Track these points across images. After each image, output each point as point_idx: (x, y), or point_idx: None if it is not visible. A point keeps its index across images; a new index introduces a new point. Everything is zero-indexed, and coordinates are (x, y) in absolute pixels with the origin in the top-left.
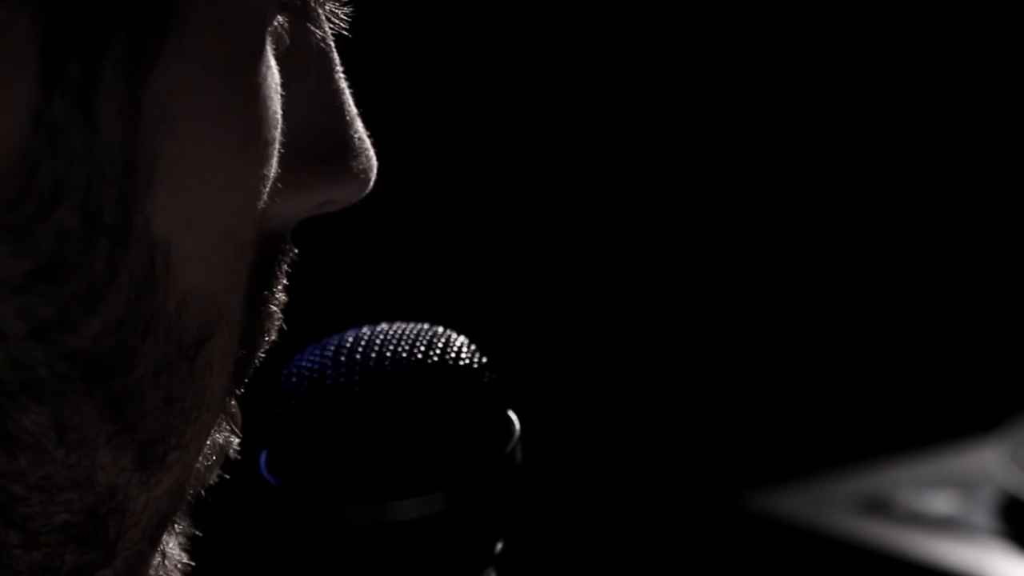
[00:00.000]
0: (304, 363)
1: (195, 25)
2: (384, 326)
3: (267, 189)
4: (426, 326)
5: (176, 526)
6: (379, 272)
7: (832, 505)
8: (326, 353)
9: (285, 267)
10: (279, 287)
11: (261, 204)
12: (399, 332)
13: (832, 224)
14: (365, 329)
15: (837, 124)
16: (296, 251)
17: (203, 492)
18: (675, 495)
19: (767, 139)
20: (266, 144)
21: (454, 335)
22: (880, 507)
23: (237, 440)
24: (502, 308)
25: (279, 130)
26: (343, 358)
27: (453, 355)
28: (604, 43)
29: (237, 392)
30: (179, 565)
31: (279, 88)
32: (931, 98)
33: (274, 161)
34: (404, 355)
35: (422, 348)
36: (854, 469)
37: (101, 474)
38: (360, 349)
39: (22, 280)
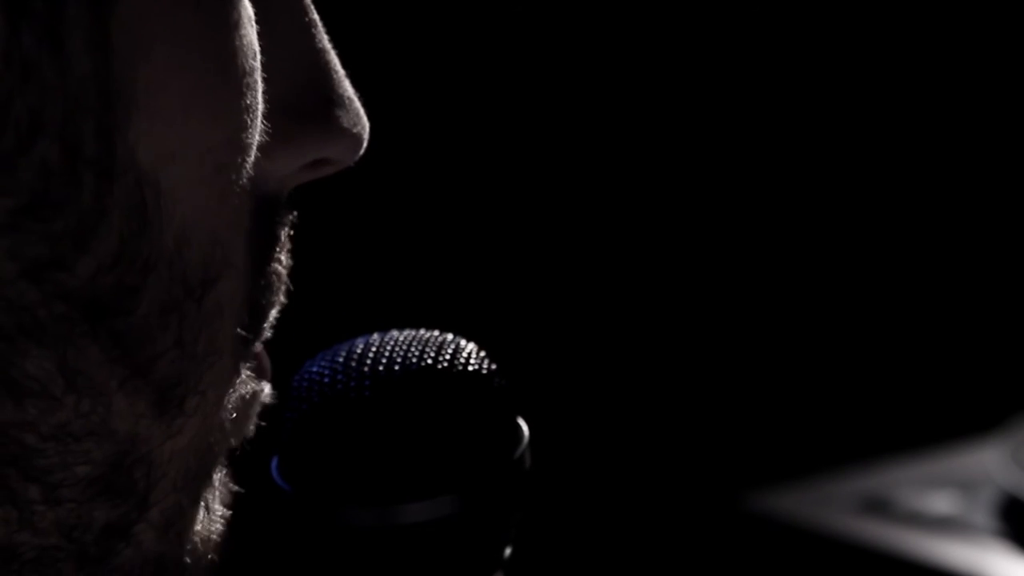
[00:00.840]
0: (315, 369)
1: None
2: (394, 333)
3: (255, 123)
4: (436, 333)
5: (220, 480)
6: (389, 279)
7: (832, 505)
8: (337, 359)
9: (287, 231)
10: (282, 250)
11: (251, 139)
12: (409, 339)
13: (832, 224)
14: (375, 336)
15: (837, 124)
16: (296, 215)
17: (242, 446)
18: (676, 495)
19: (767, 139)
20: (244, 72)
21: (463, 342)
22: (880, 507)
23: (268, 388)
24: (510, 316)
25: (257, 61)
26: (353, 364)
27: (462, 361)
28: (604, 43)
29: (253, 340)
30: (221, 520)
31: (253, 20)
32: (931, 98)
33: (257, 93)
34: (414, 361)
35: (432, 354)
36: (854, 469)
37: (119, 422)
38: (370, 355)
39: (7, 218)
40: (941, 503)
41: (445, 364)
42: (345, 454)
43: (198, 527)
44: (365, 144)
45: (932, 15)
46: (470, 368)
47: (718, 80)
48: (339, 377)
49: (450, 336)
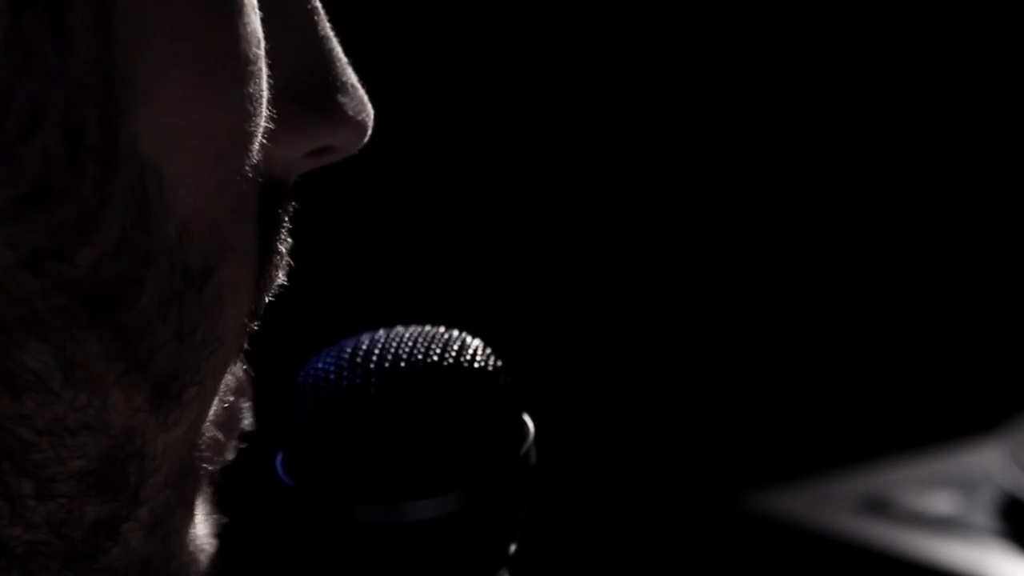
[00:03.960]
0: (320, 365)
1: None
2: (400, 329)
3: (259, 111)
4: (441, 329)
5: (206, 500)
6: (394, 276)
7: (832, 505)
8: (342, 355)
9: (289, 214)
10: (284, 232)
11: (254, 128)
12: (415, 335)
13: (832, 224)
14: (381, 332)
15: (837, 124)
16: (296, 204)
17: (228, 453)
18: (675, 495)
19: (767, 139)
20: (247, 60)
21: (469, 338)
22: (880, 507)
23: (249, 416)
24: (515, 313)
25: (261, 49)
26: (359, 360)
27: (468, 358)
28: (604, 43)
29: (251, 329)
30: (210, 548)
31: (256, 7)
32: (931, 98)
33: (260, 81)
34: (420, 357)
35: (438, 351)
36: (854, 469)
37: (115, 416)
38: (376, 352)
39: (8, 207)
40: (941, 503)
41: (451, 361)
42: (351, 451)
43: (185, 536)
44: (369, 131)
45: (932, 15)
46: (476, 365)
47: (718, 80)
48: (345, 374)
49: (456, 332)
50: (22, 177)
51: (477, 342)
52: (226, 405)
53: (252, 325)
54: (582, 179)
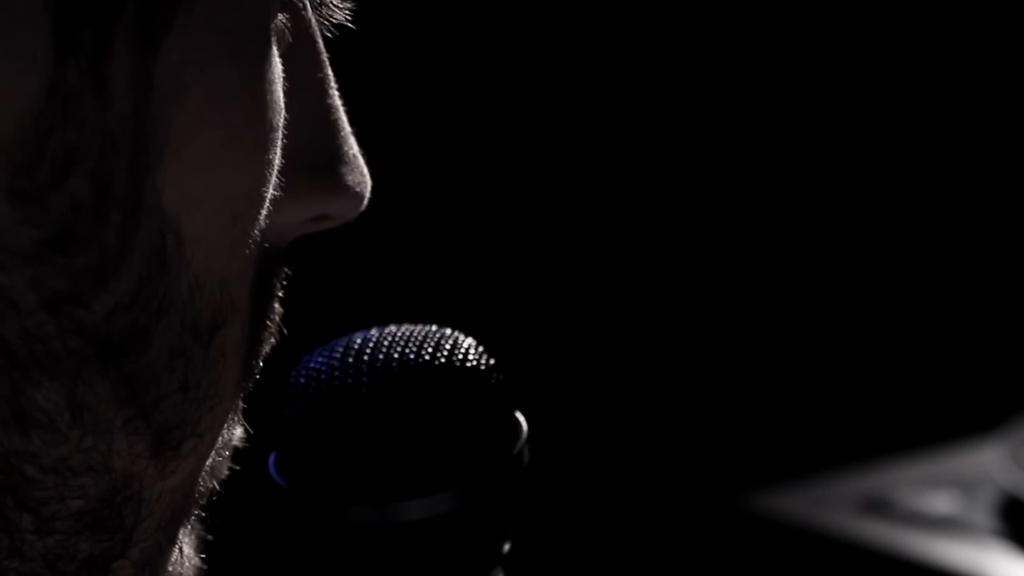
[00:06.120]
0: (312, 365)
1: (206, 1)
2: (392, 328)
3: (272, 178)
4: (434, 328)
5: (192, 522)
6: (386, 274)
7: (832, 505)
8: (334, 355)
9: (281, 283)
10: (276, 300)
11: (267, 192)
12: (407, 334)
13: (832, 224)
14: (373, 331)
15: (837, 124)
16: (289, 271)
17: (217, 489)
18: (676, 495)
19: (767, 139)
20: (271, 128)
21: (462, 337)
22: (880, 507)
23: (242, 433)
24: (509, 311)
25: (282, 117)
26: (351, 359)
27: (461, 356)
28: (604, 43)
29: (246, 387)
30: (195, 567)
31: (282, 77)
32: (931, 98)
33: (278, 149)
34: (412, 356)
35: (430, 350)
36: (854, 469)
37: (117, 460)
38: (368, 351)
39: (34, 249)
40: (941, 503)
41: (443, 360)
42: (343, 451)
43: (170, 568)
44: (365, 203)
45: (932, 15)
46: (468, 364)
47: (718, 80)
48: (336, 373)
49: (448, 331)
50: (49, 221)
51: (469, 340)
52: (220, 459)
53: (246, 385)
54: (576, 178)
